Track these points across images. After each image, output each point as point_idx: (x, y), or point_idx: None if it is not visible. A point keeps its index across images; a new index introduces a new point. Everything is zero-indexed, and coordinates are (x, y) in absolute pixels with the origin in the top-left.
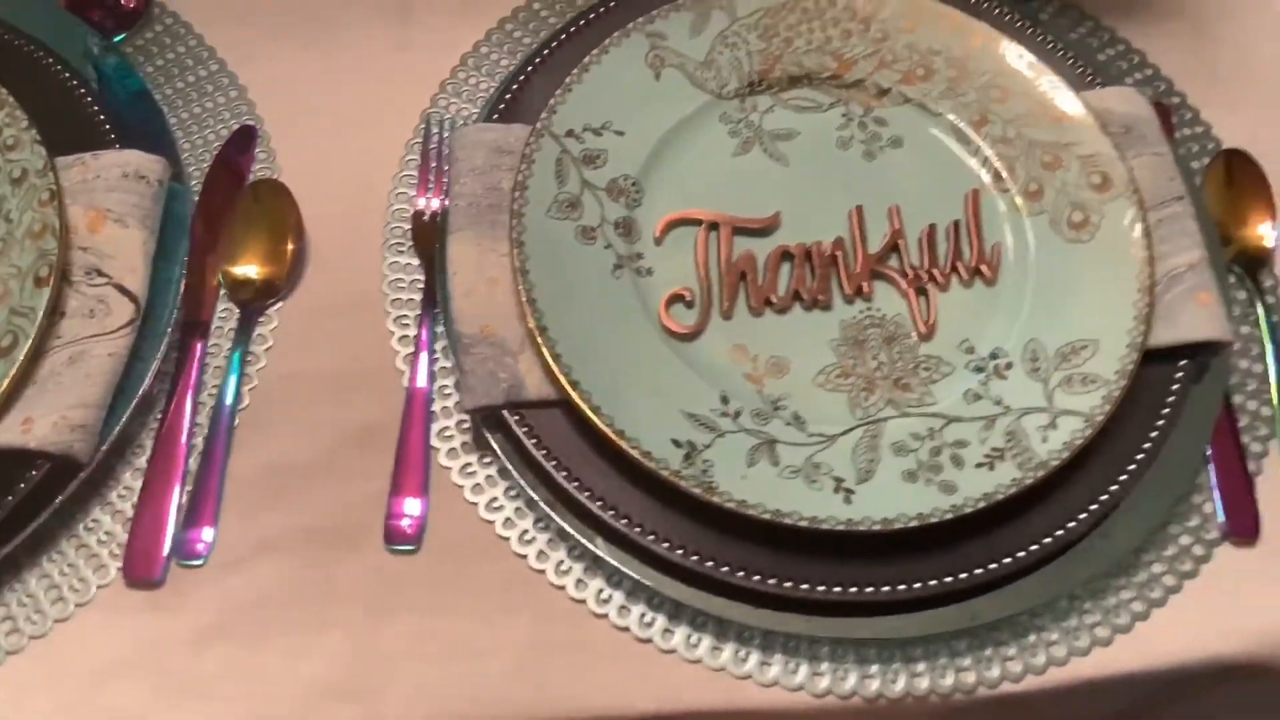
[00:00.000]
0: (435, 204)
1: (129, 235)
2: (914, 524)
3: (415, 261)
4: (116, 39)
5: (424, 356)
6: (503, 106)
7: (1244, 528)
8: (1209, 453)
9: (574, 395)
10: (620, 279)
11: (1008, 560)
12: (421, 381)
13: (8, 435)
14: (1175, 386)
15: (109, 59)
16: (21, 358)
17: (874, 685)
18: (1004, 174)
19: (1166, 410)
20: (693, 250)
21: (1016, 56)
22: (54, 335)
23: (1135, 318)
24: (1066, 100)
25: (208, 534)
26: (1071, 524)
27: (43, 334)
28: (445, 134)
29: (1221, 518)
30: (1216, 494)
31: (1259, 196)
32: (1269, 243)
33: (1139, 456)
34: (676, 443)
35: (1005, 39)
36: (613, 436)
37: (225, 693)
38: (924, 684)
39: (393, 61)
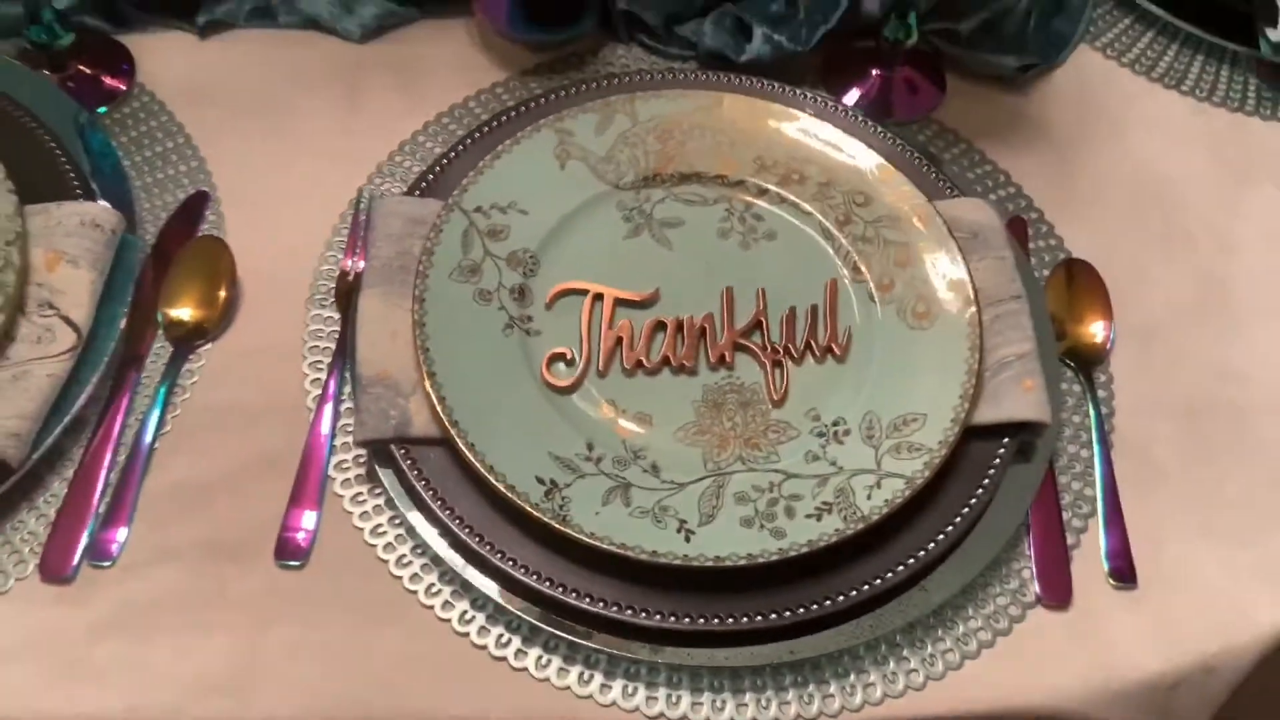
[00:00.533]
0: (359, 265)
1: (80, 275)
2: (744, 562)
3: (335, 315)
4: (100, 110)
5: (331, 397)
6: (424, 185)
7: (1057, 594)
8: (1029, 523)
9: (453, 432)
10: (510, 337)
11: (828, 602)
12: (325, 417)
13: None
14: (997, 461)
15: (90, 128)
16: None
17: (703, 711)
18: (861, 268)
19: (986, 481)
20: (578, 316)
21: (879, 167)
22: (3, 357)
23: (960, 396)
24: (921, 207)
25: (118, 540)
26: (889, 574)
27: None
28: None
29: (1036, 583)
30: (1033, 561)
31: (1096, 300)
32: (1099, 340)
33: (957, 519)
34: (540, 480)
35: (875, 155)
36: (482, 470)
37: (112, 681)
38: (749, 713)
39: (338, 144)
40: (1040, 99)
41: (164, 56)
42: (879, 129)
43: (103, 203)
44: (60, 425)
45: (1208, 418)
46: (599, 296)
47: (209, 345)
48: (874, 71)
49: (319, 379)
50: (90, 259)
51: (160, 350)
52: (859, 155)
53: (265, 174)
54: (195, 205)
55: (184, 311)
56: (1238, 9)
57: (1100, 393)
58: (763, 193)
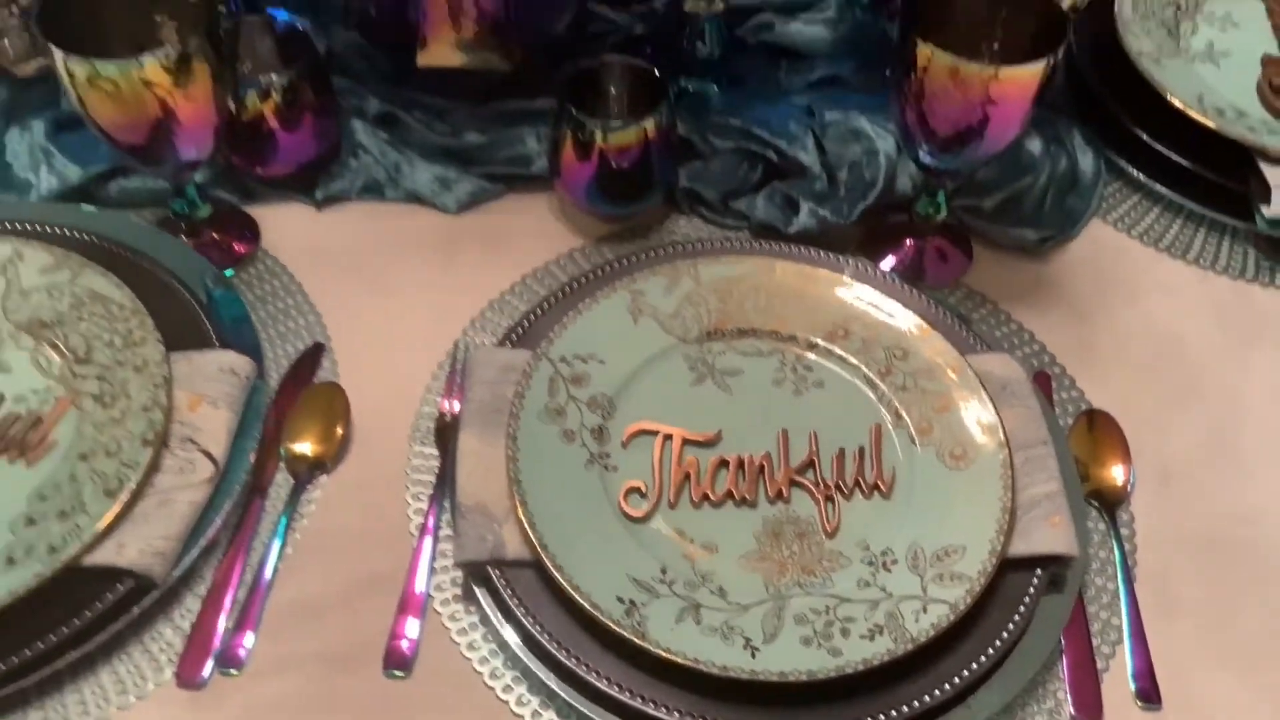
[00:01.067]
0: (455, 407)
1: (218, 415)
2: (805, 678)
3: (435, 451)
4: (227, 272)
5: (431, 524)
6: (514, 337)
7: (1090, 713)
8: (1062, 647)
9: (542, 555)
10: (590, 471)
11: (881, 717)
12: (427, 542)
13: (105, 555)
14: (1031, 590)
15: (220, 286)
16: (125, 498)
17: None
18: (902, 414)
19: (1022, 608)
20: (650, 454)
21: (916, 326)
22: (150, 485)
23: (997, 530)
24: (955, 361)
25: (245, 650)
26: (937, 691)
27: (142, 483)
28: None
29: (1070, 703)
30: (1067, 682)
31: (1116, 446)
32: (1120, 482)
33: (997, 642)
34: (620, 599)
35: (913, 314)
36: (570, 590)
37: None
38: None
39: (436, 301)
40: (1059, 266)
41: (286, 224)
42: (914, 291)
43: (237, 353)
44: (197, 546)
45: (1223, 553)
46: (669, 436)
47: (325, 477)
48: (908, 241)
49: (420, 508)
50: (228, 401)
51: (282, 481)
52: (897, 314)
53: (373, 327)
54: (313, 355)
55: (304, 447)
56: (1235, 188)
57: (1123, 530)
58: (812, 346)
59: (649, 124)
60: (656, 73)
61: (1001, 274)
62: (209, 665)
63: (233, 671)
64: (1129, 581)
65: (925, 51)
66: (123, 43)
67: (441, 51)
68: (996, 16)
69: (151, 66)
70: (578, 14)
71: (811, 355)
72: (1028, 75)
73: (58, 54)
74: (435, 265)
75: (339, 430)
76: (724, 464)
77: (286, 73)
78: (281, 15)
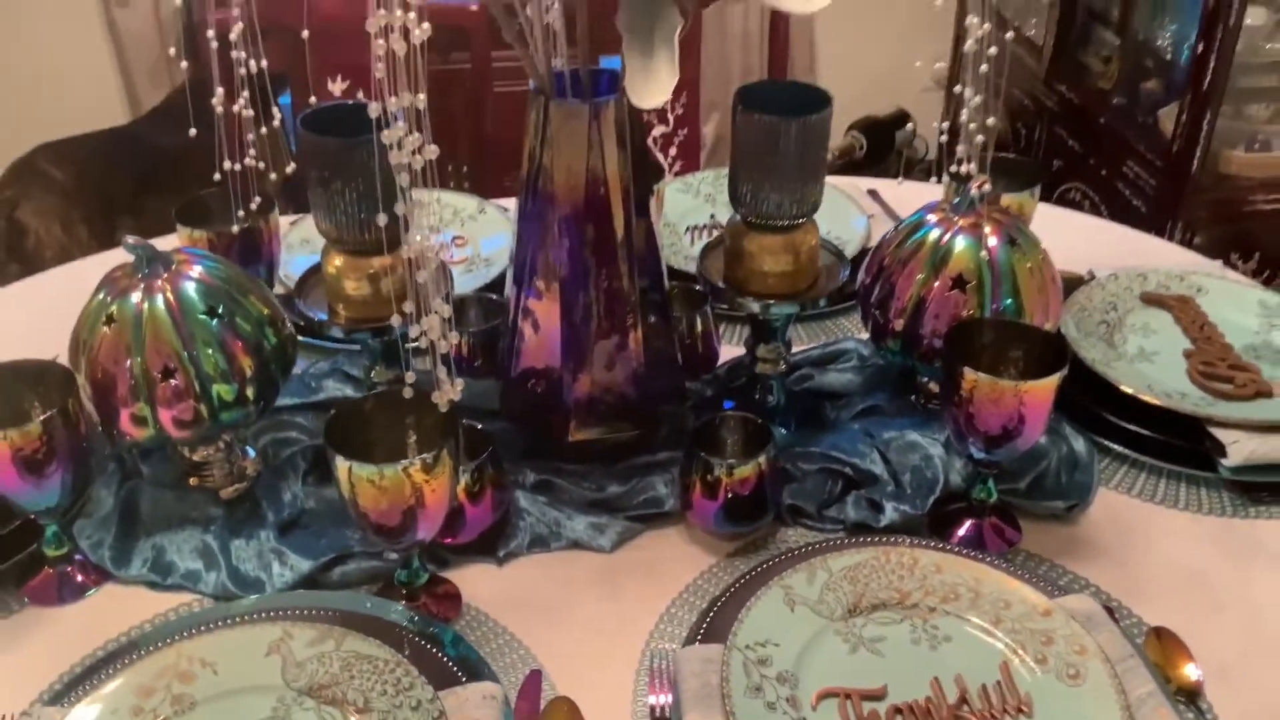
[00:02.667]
0: (665, 700)
1: None
2: None
3: None
4: (445, 622)
5: None
6: (699, 637)
7: None
8: None
9: None
10: None
11: None
12: None
13: None
14: None
15: (450, 634)
16: None
17: None
18: (1019, 651)
19: None
20: (837, 710)
21: (1005, 582)
22: None
23: None
24: (1045, 604)
25: None
26: None
27: None
28: (665, 658)
29: None
30: None
31: (1182, 652)
32: (1194, 679)
33: None
34: None
35: (1000, 573)
36: None
37: None
38: None
39: (614, 621)
40: (1087, 527)
41: (478, 580)
42: (991, 557)
43: (491, 682)
44: None
45: None
46: (848, 695)
47: None
48: (969, 522)
49: None
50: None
51: None
52: (987, 576)
53: (571, 650)
54: (534, 679)
55: None
56: (1197, 448)
57: (1207, 714)
58: (933, 611)
59: (762, 459)
60: (760, 420)
61: (1047, 538)
62: None
63: None
64: None
65: (971, 377)
66: (380, 448)
67: (586, 429)
68: (1015, 346)
69: (414, 467)
70: (679, 391)
71: (935, 618)
72: (1047, 386)
73: (344, 463)
74: (606, 594)
75: None
76: (898, 711)
77: (474, 462)
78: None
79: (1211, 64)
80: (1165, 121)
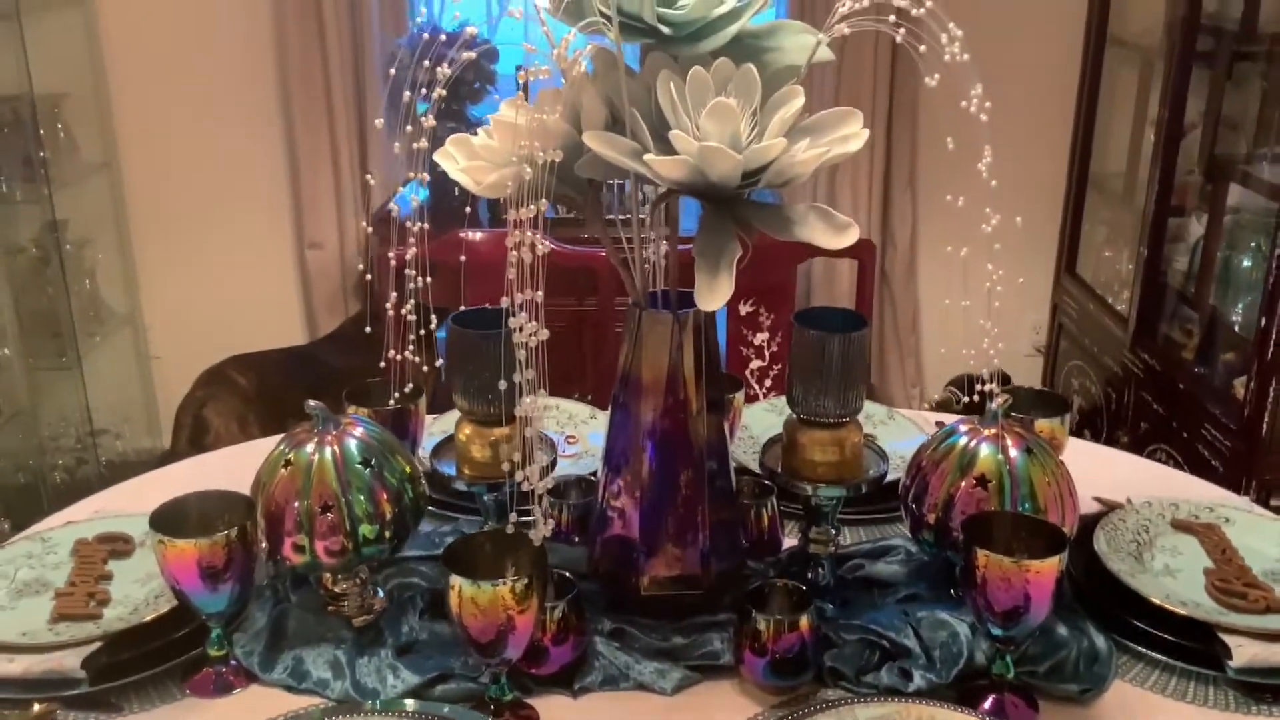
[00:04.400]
0: None
1: None
2: None
3: None
4: None
5: None
6: None
7: None
8: None
9: None
10: None
11: None
12: None
13: None
14: None
15: None
16: None
17: None
18: None
19: None
20: None
21: None
22: None
23: None
24: None
25: None
26: None
27: None
28: None
29: None
30: None
31: None
32: None
33: None
34: None
35: None
36: None
37: None
38: None
39: None
40: (1103, 709)
41: (554, 707)
42: None
43: None
44: None
45: None
46: None
47: None
48: (992, 696)
49: None
50: None
51: None
52: None
53: None
54: None
55: None
56: (1206, 650)
57: None
58: None
59: (803, 621)
60: (804, 588)
61: (1061, 716)
62: None
63: None
64: None
65: (983, 556)
66: (485, 575)
67: (659, 584)
68: (1020, 535)
69: (507, 588)
70: (740, 564)
71: None
72: (1049, 565)
73: (455, 579)
74: None
75: None
76: None
77: (559, 603)
78: None
79: (1274, 336)
80: (1239, 389)
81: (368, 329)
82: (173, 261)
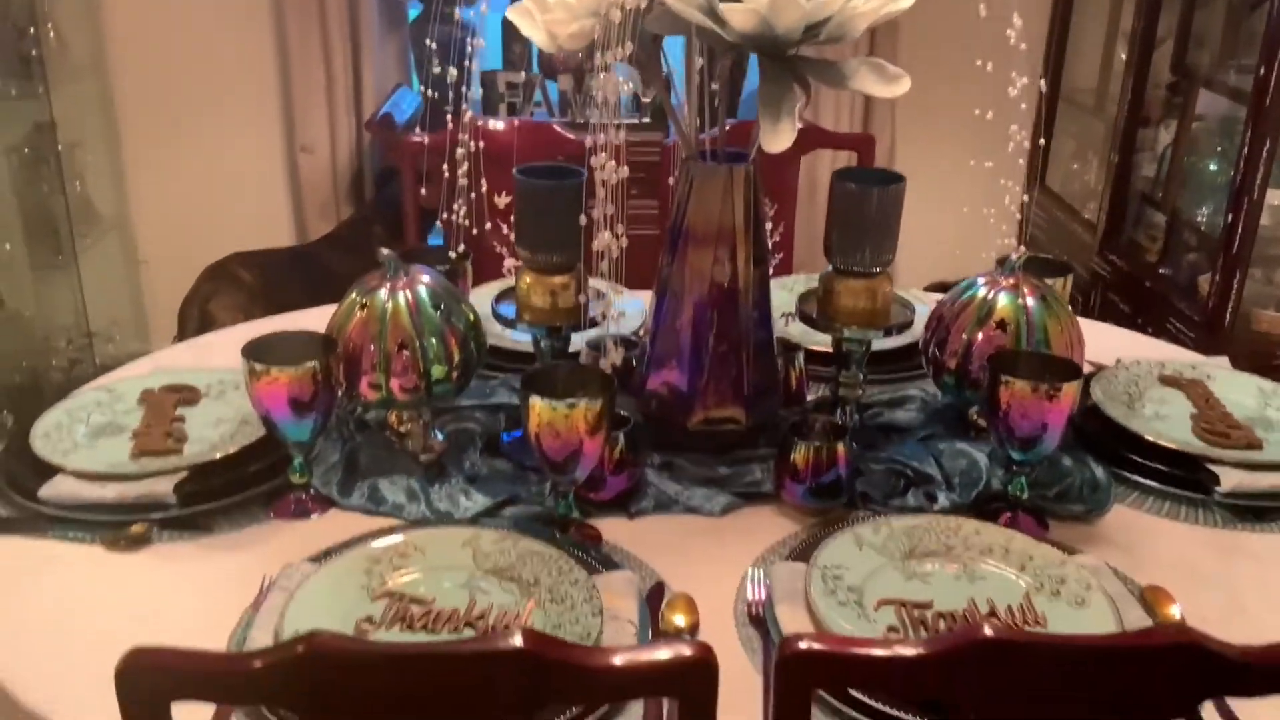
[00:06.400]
0: (761, 595)
1: (629, 603)
2: None
3: (757, 633)
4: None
5: (760, 659)
6: (791, 558)
7: None
8: None
9: None
10: (860, 623)
11: None
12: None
13: None
14: None
15: (596, 550)
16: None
17: None
18: (1040, 585)
19: None
20: (894, 613)
21: (1033, 544)
22: (600, 641)
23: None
24: (1061, 557)
25: None
26: None
27: (598, 639)
28: (763, 570)
29: None
30: None
31: (1167, 599)
32: (1177, 616)
33: None
34: None
35: (1026, 538)
36: None
37: None
38: None
39: (720, 561)
40: (1102, 528)
41: (613, 527)
42: (1025, 535)
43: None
44: None
45: None
46: (902, 603)
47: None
48: (1007, 514)
49: (755, 649)
50: (634, 595)
51: None
52: (1019, 537)
53: (687, 573)
54: (659, 587)
55: (680, 619)
56: (1194, 478)
57: None
58: (971, 559)
59: (839, 447)
60: (838, 423)
61: (1069, 533)
62: None
63: None
64: None
65: (1009, 386)
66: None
67: (706, 421)
68: (1042, 372)
69: (580, 410)
70: (776, 407)
71: (973, 564)
72: (1069, 390)
73: (536, 400)
74: (714, 544)
75: (696, 617)
76: (941, 616)
77: (618, 433)
78: None
79: (1239, 233)
80: (1203, 285)
81: (422, 190)
82: (161, 164)
